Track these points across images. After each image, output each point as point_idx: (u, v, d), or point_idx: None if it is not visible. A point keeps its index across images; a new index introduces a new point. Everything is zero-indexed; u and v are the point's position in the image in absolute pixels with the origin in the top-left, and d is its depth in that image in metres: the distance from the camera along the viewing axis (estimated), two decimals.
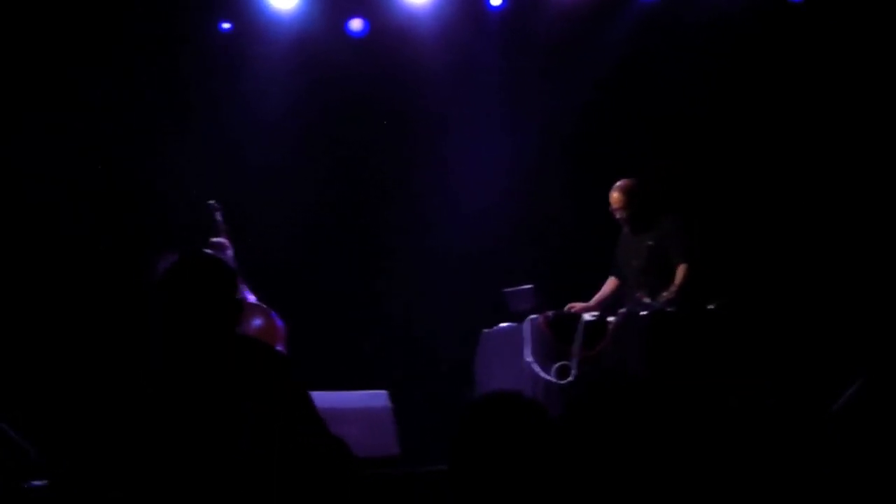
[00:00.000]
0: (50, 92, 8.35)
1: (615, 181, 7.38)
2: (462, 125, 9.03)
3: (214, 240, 7.54)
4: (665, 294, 6.99)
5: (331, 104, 9.09)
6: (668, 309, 6.93)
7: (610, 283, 7.56)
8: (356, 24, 9.10)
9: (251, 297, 7.54)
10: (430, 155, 9.08)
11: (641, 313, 6.95)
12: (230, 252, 7.52)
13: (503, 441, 2.59)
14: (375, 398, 6.89)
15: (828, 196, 8.47)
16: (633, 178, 7.36)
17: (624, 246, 7.51)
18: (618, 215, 7.37)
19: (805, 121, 8.58)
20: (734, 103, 8.76)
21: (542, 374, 7.04)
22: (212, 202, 7.66)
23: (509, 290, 7.47)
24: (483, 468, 2.59)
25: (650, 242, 7.27)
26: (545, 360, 7.08)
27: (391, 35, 9.03)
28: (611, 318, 7.07)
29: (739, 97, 8.76)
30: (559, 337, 7.09)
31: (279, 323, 7.51)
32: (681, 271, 7.15)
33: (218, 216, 7.62)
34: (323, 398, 6.92)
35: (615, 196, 7.34)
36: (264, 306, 7.52)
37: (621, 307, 7.20)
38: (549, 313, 7.21)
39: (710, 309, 6.92)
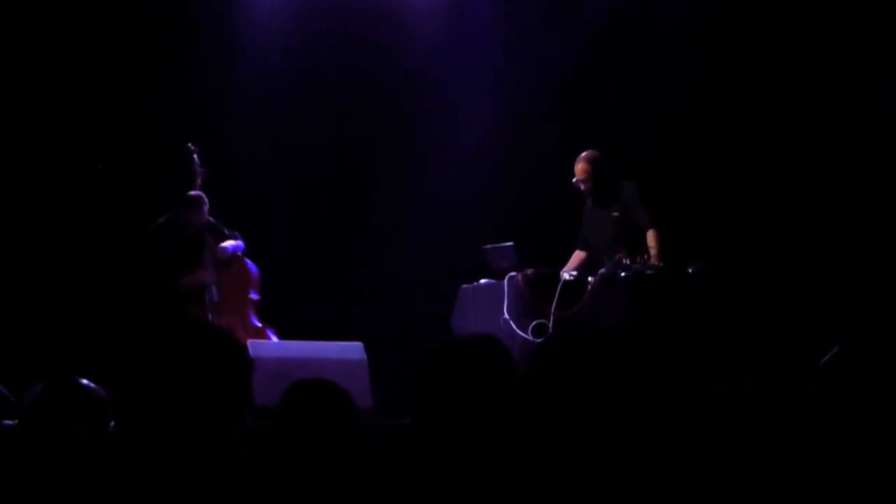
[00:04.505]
0: (34, 32, 8.24)
1: (591, 147, 7.33)
2: (452, 77, 8.94)
3: (192, 193, 7.47)
4: (646, 258, 6.98)
5: (321, 50, 8.98)
6: (648, 272, 6.91)
7: (578, 256, 7.50)
8: None
9: (229, 245, 7.48)
10: (417, 108, 8.99)
11: (622, 274, 6.93)
12: (206, 207, 7.46)
13: (468, 385, 2.50)
14: (351, 350, 6.84)
15: (807, 163, 8.44)
16: (597, 150, 7.30)
17: (589, 220, 7.47)
18: (582, 187, 7.30)
19: (784, 95, 8.52)
20: (728, 62, 8.67)
21: (519, 332, 7.03)
22: (190, 145, 7.60)
23: (489, 246, 7.44)
24: (446, 413, 2.49)
25: (615, 213, 7.25)
26: (522, 317, 7.08)
27: None
28: (590, 279, 7.05)
29: (732, 57, 8.67)
30: (537, 295, 7.07)
31: (253, 269, 7.46)
32: (652, 237, 7.13)
33: (195, 158, 7.57)
34: (298, 347, 6.98)
35: (581, 167, 7.27)
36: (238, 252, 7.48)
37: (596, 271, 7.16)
38: (529, 271, 7.19)
39: (690, 272, 6.92)
